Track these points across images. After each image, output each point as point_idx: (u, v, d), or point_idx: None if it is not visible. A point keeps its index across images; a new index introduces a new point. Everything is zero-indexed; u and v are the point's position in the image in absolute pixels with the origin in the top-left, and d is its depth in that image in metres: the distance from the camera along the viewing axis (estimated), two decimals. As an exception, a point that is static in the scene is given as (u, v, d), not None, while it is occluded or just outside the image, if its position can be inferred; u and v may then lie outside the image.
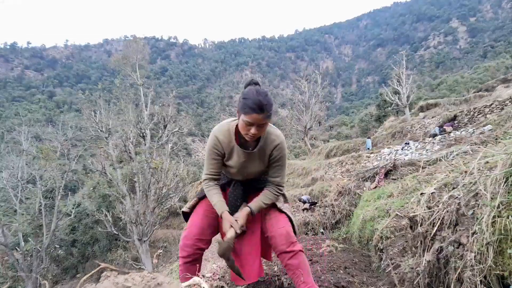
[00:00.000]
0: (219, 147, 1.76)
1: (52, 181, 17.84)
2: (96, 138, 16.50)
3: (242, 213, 1.77)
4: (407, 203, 3.32)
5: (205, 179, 1.86)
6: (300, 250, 1.80)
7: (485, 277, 1.34)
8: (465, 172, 2.03)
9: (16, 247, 15.86)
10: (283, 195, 1.99)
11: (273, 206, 1.90)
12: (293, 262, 1.77)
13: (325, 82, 27.69)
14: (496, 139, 6.11)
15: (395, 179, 5.52)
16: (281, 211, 1.89)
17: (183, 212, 2.01)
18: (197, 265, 1.82)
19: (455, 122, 14.74)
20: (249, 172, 1.85)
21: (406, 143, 13.10)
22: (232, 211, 1.83)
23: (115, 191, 14.39)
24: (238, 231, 1.70)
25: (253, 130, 1.61)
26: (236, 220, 1.73)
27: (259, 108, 1.56)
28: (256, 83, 1.73)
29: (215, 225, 1.92)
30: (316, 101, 24.44)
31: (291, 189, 13.36)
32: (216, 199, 1.79)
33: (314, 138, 38.29)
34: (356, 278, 2.61)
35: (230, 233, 1.69)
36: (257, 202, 1.80)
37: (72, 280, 19.71)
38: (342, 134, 39.00)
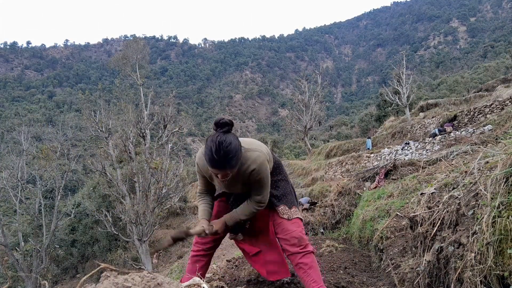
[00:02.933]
0: (200, 172, 1.88)
1: (52, 181, 17.83)
2: (96, 138, 16.50)
3: (218, 221, 1.87)
4: (407, 203, 3.32)
5: (197, 193, 2.02)
6: (312, 251, 1.90)
7: (485, 277, 1.34)
8: (465, 172, 2.03)
9: (16, 247, 15.87)
10: (289, 201, 2.01)
11: (283, 217, 1.93)
12: (306, 260, 1.85)
13: (325, 82, 27.73)
14: (496, 139, 6.10)
15: (395, 179, 5.52)
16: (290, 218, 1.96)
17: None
18: (204, 260, 2.02)
19: (455, 122, 14.73)
20: (236, 191, 1.90)
21: (406, 143, 13.10)
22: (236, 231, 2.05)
23: (115, 191, 14.39)
24: (207, 232, 1.80)
25: (219, 176, 1.65)
26: (210, 225, 1.84)
27: (218, 167, 1.56)
28: (224, 125, 1.59)
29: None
30: (316, 101, 24.45)
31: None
32: (200, 209, 1.94)
33: (314, 138, 38.29)
34: (356, 278, 2.61)
35: (196, 228, 1.82)
36: (233, 215, 1.86)
37: (72, 280, 19.71)
38: (342, 134, 38.99)
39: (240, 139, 1.77)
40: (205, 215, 1.89)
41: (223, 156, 1.52)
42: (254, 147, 1.77)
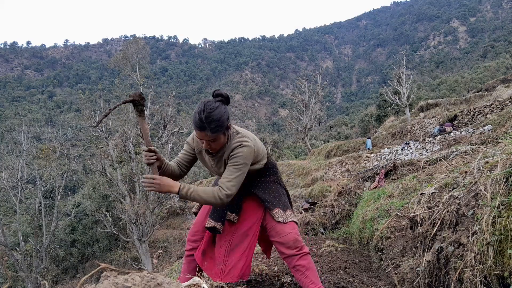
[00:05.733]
0: (191, 142, 1.88)
1: (52, 181, 17.83)
2: (96, 138, 16.51)
3: (170, 180, 1.64)
4: (407, 203, 3.32)
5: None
6: (308, 252, 1.88)
7: (485, 277, 1.34)
8: (465, 172, 2.03)
9: (16, 247, 15.86)
10: (283, 205, 1.93)
11: (278, 221, 1.87)
12: (302, 262, 1.83)
13: (325, 82, 27.71)
14: (496, 139, 6.11)
15: (395, 179, 5.51)
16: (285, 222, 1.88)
17: (194, 212, 2.20)
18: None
19: (455, 122, 14.74)
20: (219, 172, 1.87)
21: (406, 143, 13.10)
22: (229, 209, 1.89)
23: (115, 191, 14.39)
24: (146, 147, 1.65)
25: (204, 145, 1.68)
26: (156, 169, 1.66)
27: (199, 126, 1.60)
28: (218, 95, 1.67)
29: None
30: (316, 101, 24.44)
31: (291, 189, 13.35)
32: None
33: (314, 138, 38.30)
34: (356, 278, 2.61)
35: (143, 147, 1.68)
36: (192, 187, 1.66)
37: (72, 280, 19.71)
38: (342, 134, 38.99)
39: (242, 129, 1.83)
40: (166, 163, 1.74)
41: (206, 116, 1.57)
42: (249, 137, 1.77)
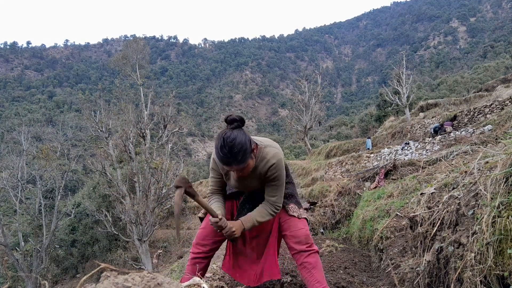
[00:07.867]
0: (216, 168, 1.86)
1: (52, 181, 17.83)
2: (96, 138, 16.51)
3: (236, 222, 1.77)
4: (407, 203, 3.32)
5: (208, 193, 1.96)
6: (317, 251, 1.89)
7: (485, 277, 1.34)
8: (465, 172, 2.03)
9: (16, 247, 15.87)
10: (297, 202, 2.01)
11: (291, 215, 1.92)
12: (310, 260, 1.83)
13: (325, 82, 27.79)
14: (496, 139, 6.11)
15: (395, 179, 5.52)
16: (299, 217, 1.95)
17: (200, 217, 2.16)
18: (204, 262, 1.95)
19: (455, 122, 14.74)
20: (250, 187, 1.88)
21: (406, 143, 13.10)
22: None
23: (115, 191, 14.38)
24: (222, 225, 1.70)
25: (233, 174, 1.68)
26: (229, 226, 1.73)
27: (225, 163, 1.57)
28: (232, 121, 1.59)
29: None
30: (316, 101, 24.46)
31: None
32: (214, 206, 1.85)
33: (314, 138, 38.30)
34: (356, 278, 2.61)
35: (217, 214, 1.71)
36: (250, 218, 1.78)
37: (72, 280, 19.70)
38: (342, 134, 38.98)
39: (257, 137, 1.82)
40: (221, 210, 1.82)
41: (229, 151, 1.52)
42: (273, 145, 1.79)
